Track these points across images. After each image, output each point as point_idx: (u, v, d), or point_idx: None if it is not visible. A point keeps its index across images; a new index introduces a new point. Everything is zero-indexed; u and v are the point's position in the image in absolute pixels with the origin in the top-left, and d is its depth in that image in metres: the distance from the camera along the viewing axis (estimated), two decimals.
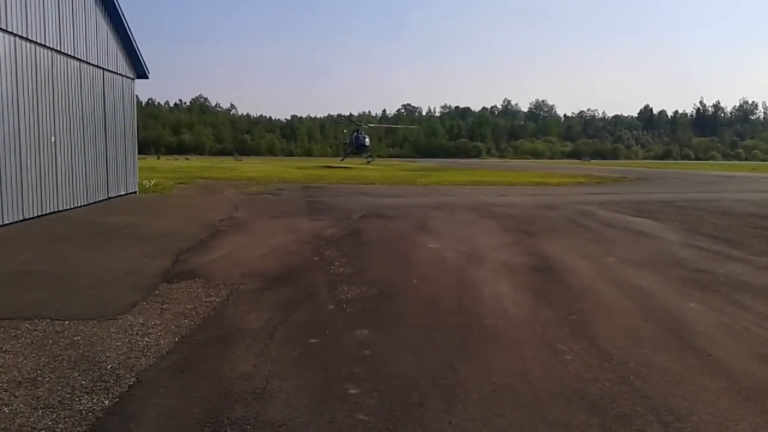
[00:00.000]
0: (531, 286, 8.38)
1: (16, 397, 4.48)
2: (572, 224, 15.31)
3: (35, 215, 14.61)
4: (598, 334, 6.17)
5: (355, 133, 64.27)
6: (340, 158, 62.37)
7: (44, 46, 15.20)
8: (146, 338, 5.86)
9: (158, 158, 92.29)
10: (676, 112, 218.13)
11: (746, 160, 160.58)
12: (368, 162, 59.38)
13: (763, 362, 5.44)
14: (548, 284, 8.54)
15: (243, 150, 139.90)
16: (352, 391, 4.68)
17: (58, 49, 15.99)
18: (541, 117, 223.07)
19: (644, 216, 17.19)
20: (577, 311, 7.06)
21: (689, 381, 4.98)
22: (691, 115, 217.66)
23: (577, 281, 8.69)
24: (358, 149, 62.01)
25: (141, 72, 22.36)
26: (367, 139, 63.34)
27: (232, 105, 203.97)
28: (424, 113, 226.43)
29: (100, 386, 4.70)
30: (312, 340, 5.90)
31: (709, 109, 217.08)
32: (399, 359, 5.41)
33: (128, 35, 20.53)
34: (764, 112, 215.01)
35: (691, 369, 5.25)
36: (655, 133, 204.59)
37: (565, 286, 8.39)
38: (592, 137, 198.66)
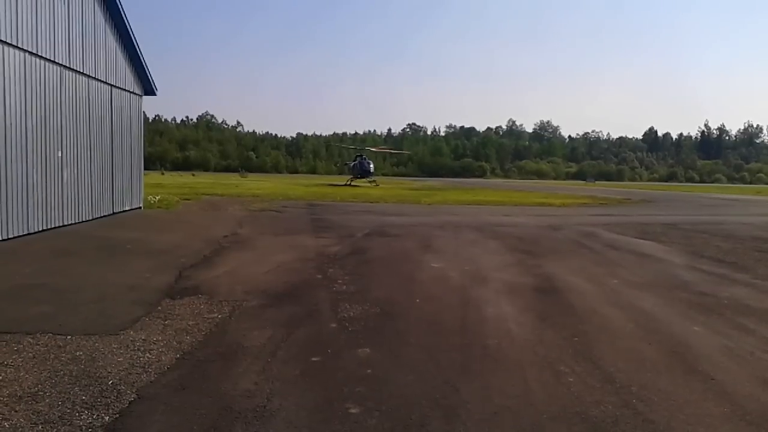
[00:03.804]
0: (534, 307, 8.35)
1: (16, 411, 4.47)
2: (576, 245, 15.28)
3: (40, 229, 14.67)
4: (601, 357, 6.14)
5: (359, 159, 64.66)
6: (346, 182, 62.58)
7: (53, 62, 15.38)
8: (148, 354, 5.85)
9: (162, 174, 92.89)
10: (681, 134, 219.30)
11: (751, 183, 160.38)
12: (373, 186, 59.74)
13: (766, 387, 5.39)
14: (551, 305, 8.50)
15: (248, 167, 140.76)
16: (353, 411, 4.66)
17: (67, 65, 16.17)
18: (545, 138, 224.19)
19: (648, 238, 17.15)
20: (580, 333, 7.03)
21: (692, 405, 4.94)
22: (696, 137, 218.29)
23: (581, 303, 8.66)
24: (362, 174, 62.56)
25: (149, 88, 22.57)
26: (371, 165, 63.88)
27: (238, 122, 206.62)
28: (429, 132, 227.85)
29: (100, 402, 4.69)
30: (314, 359, 5.88)
31: (714, 132, 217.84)
32: (401, 378, 5.39)
33: (137, 52, 20.75)
34: None
35: (695, 393, 5.21)
36: (659, 155, 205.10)
37: (569, 308, 8.36)
38: (596, 158, 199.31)
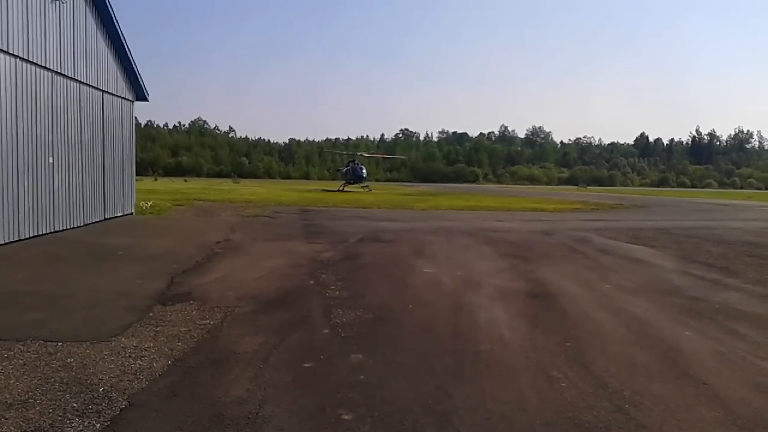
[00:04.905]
0: (527, 312, 8.36)
1: (6, 419, 4.43)
2: (568, 250, 15.32)
3: (31, 236, 14.58)
4: (593, 362, 6.15)
5: (351, 164, 64.77)
6: (339, 188, 62.53)
7: (45, 67, 15.33)
8: (139, 361, 5.82)
9: (155, 179, 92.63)
10: (672, 140, 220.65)
11: (741, 188, 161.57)
12: (366, 192, 59.86)
13: (758, 391, 5.42)
14: (544, 310, 8.52)
15: (241, 173, 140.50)
16: (345, 417, 4.64)
17: (59, 70, 16.12)
18: (537, 143, 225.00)
19: (640, 243, 17.22)
20: (572, 338, 7.04)
21: (684, 410, 4.95)
22: (687, 143, 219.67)
23: (573, 308, 8.67)
24: (355, 180, 62.70)
25: (140, 94, 22.53)
26: (364, 171, 64.04)
27: (230, 128, 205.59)
28: (421, 138, 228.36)
29: (91, 409, 4.66)
30: (306, 365, 5.87)
31: (705, 137, 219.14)
32: (393, 384, 5.38)
33: (128, 58, 20.72)
34: (759, 142, 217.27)
35: (687, 398, 5.23)
36: (650, 160, 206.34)
37: (561, 313, 8.37)
38: (588, 164, 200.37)
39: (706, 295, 9.79)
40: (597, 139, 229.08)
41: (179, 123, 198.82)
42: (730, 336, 7.32)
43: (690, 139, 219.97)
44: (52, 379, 5.26)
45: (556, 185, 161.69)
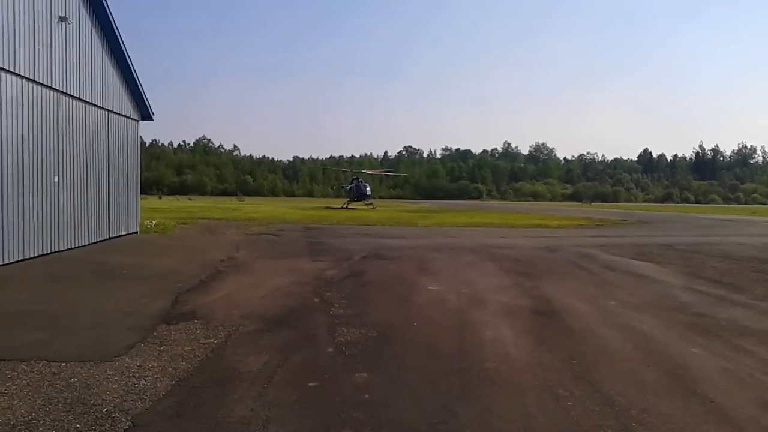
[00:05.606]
0: (532, 330, 8.32)
1: None
2: (573, 267, 15.28)
3: (36, 255, 14.61)
4: (600, 379, 6.10)
5: (355, 182, 65.02)
6: (343, 205, 62.61)
7: (51, 87, 15.46)
8: (143, 381, 5.80)
9: (159, 198, 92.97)
10: (676, 155, 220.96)
11: (746, 203, 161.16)
12: (370, 209, 60.02)
13: (766, 409, 5.36)
14: (549, 328, 8.47)
15: (245, 191, 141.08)
16: None
17: (65, 90, 16.25)
18: (541, 160, 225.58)
19: (645, 259, 17.16)
20: (578, 355, 7.00)
21: (692, 428, 4.90)
22: (691, 158, 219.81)
23: (579, 325, 8.63)
24: (359, 198, 62.94)
25: (145, 113, 22.66)
26: (368, 188, 64.33)
27: (235, 146, 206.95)
28: (425, 155, 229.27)
29: (95, 430, 4.63)
30: (310, 384, 5.83)
31: (708, 153, 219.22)
32: (398, 403, 5.34)
33: (134, 77, 20.88)
34: (763, 157, 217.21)
35: (695, 416, 5.17)
36: (654, 176, 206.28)
37: (567, 330, 8.33)
38: (592, 180, 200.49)
39: (713, 312, 9.73)
40: (600, 155, 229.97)
41: (184, 142, 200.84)
42: (738, 353, 7.26)
43: (694, 155, 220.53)
44: (56, 400, 5.24)
45: (560, 201, 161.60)
